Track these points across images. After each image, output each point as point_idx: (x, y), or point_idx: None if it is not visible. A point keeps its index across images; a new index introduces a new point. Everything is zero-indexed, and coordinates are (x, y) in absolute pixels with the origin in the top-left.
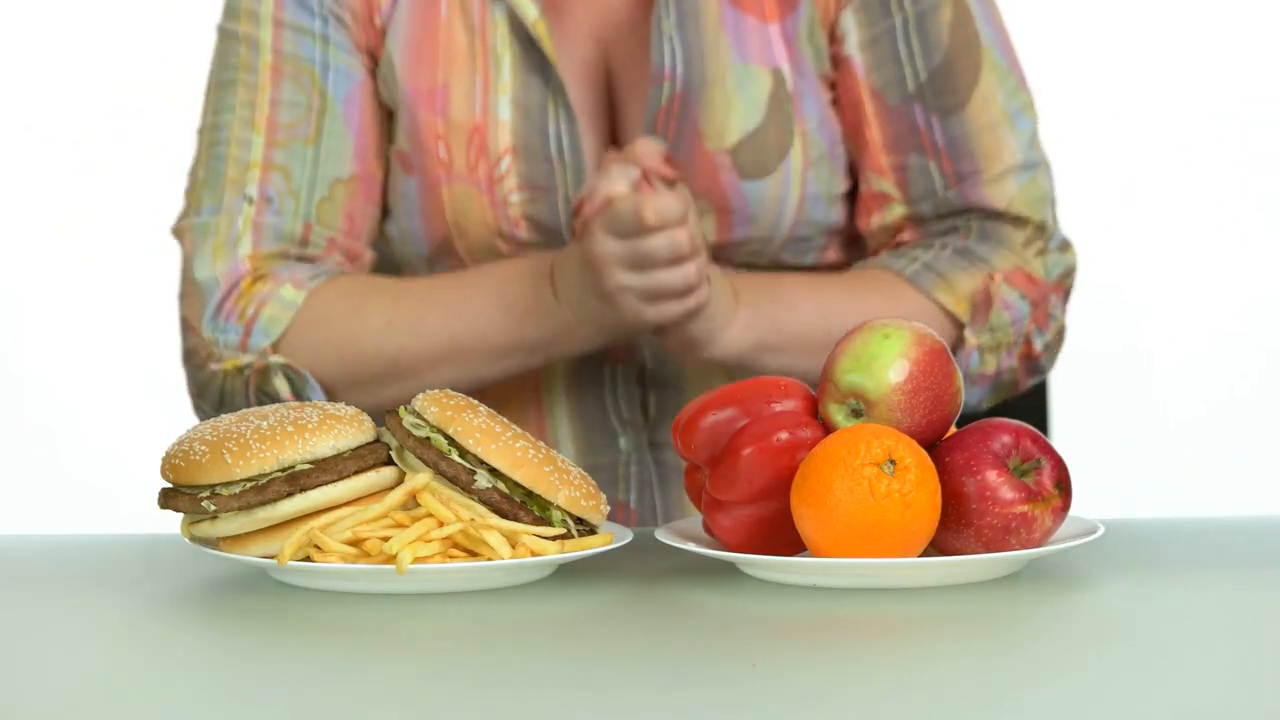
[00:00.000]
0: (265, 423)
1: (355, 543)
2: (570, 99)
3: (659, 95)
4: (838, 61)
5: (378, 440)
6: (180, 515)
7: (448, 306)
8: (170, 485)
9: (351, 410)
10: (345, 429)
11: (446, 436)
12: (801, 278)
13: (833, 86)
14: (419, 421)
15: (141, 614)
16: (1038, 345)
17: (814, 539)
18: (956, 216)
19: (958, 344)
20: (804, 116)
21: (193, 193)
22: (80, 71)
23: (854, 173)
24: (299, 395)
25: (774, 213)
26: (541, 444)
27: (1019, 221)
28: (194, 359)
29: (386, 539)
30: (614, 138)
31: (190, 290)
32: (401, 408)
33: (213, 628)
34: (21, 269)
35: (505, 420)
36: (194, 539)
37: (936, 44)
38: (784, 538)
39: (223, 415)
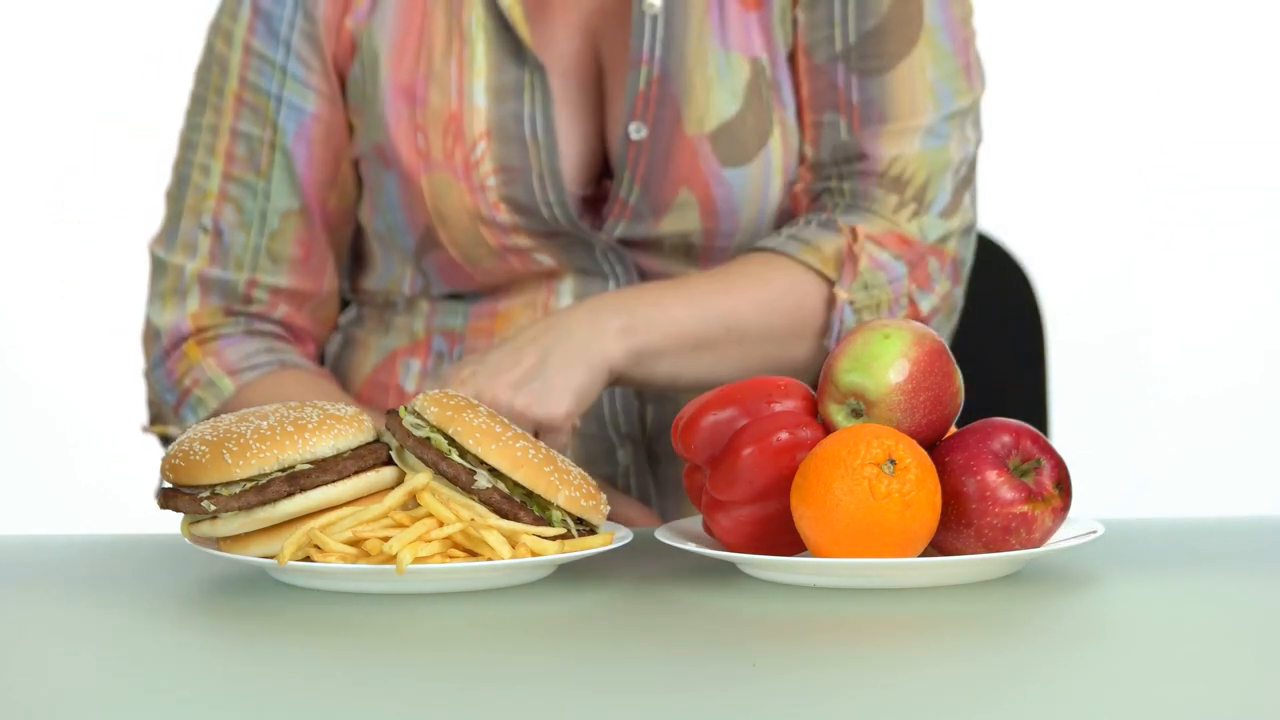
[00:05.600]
0: (265, 423)
1: (355, 543)
2: (550, 82)
3: (637, 79)
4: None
5: (378, 440)
6: (180, 515)
7: None
8: (170, 485)
9: (351, 410)
10: (345, 429)
11: (446, 436)
12: (668, 280)
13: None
14: (419, 421)
15: (141, 614)
16: (924, 307)
17: (814, 539)
18: (845, 164)
19: (830, 302)
20: (783, 105)
21: (166, 204)
22: (81, 71)
23: None
24: None
25: (757, 201)
26: (541, 444)
27: (896, 185)
28: (147, 378)
29: (386, 539)
30: (602, 130)
31: (148, 329)
32: (402, 408)
33: (213, 628)
34: (21, 268)
35: (505, 420)
36: (194, 539)
37: (873, 10)
38: (784, 538)
39: (223, 415)
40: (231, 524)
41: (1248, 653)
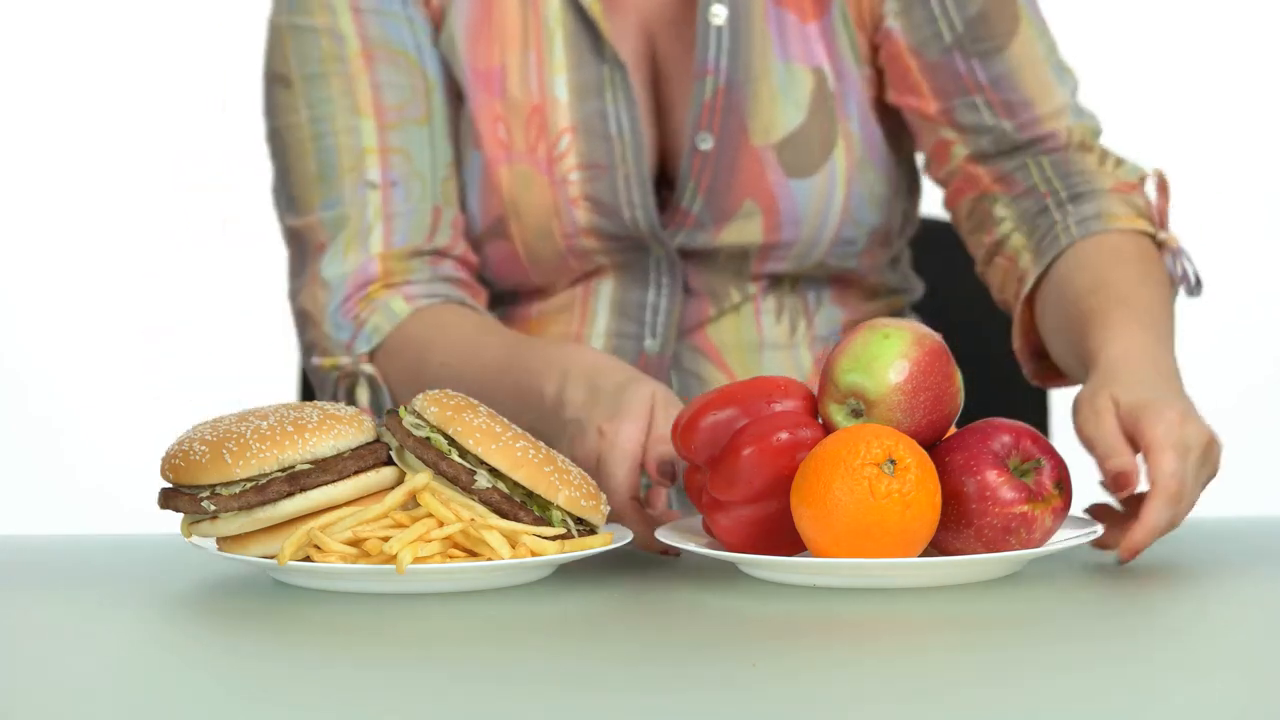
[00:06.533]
0: (265, 423)
1: (355, 543)
2: (630, 79)
3: (703, 89)
4: (882, 45)
5: (378, 440)
6: (180, 515)
7: (482, 374)
8: (170, 485)
9: (351, 410)
10: (345, 429)
11: (446, 436)
12: (1116, 327)
13: (879, 77)
14: (419, 421)
15: (142, 614)
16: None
17: (814, 539)
18: (1021, 152)
19: (1162, 248)
20: (847, 116)
21: (302, 189)
22: (81, 70)
23: (910, 169)
24: (375, 409)
25: (820, 213)
26: (541, 444)
27: (1083, 147)
28: (311, 351)
29: (386, 539)
30: (662, 134)
31: (315, 285)
32: (402, 407)
33: (213, 628)
34: (20, 268)
35: (505, 420)
36: (194, 539)
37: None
38: (784, 538)
39: (223, 415)
40: (231, 524)
41: (1250, 651)
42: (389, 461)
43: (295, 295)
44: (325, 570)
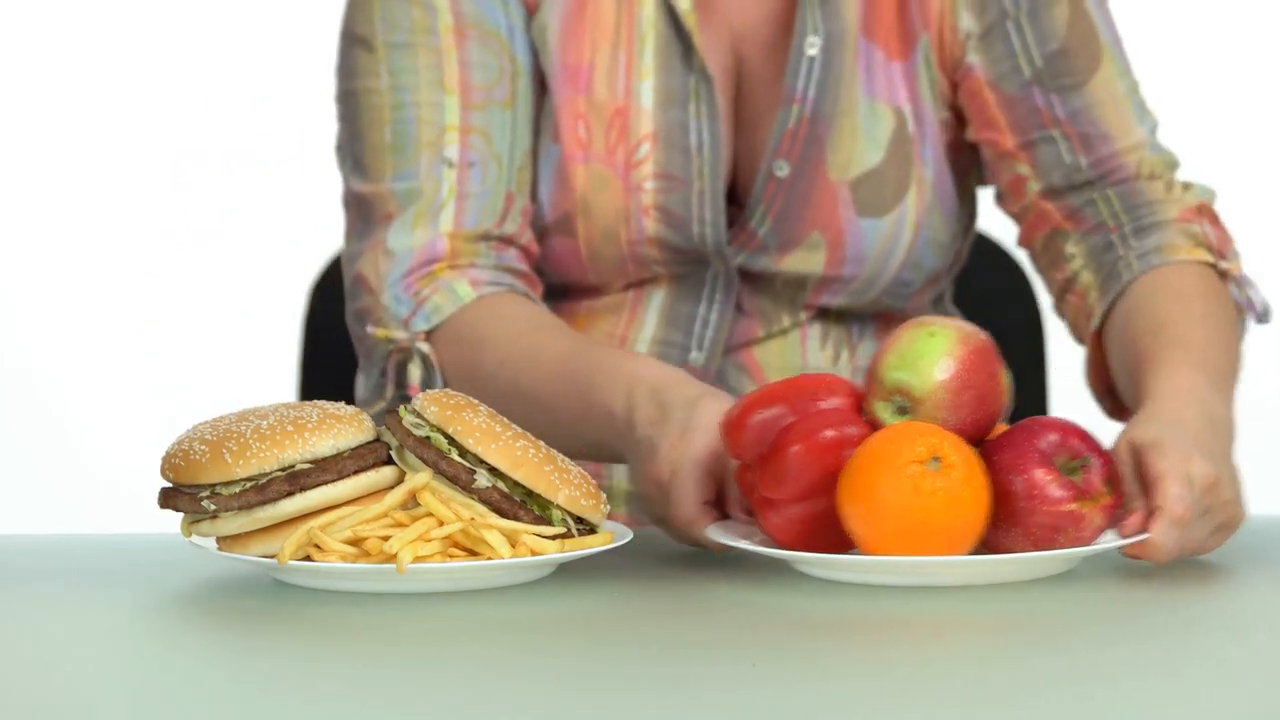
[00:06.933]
0: (265, 422)
1: (355, 542)
2: (715, 93)
3: (787, 116)
4: (962, 81)
5: (378, 440)
6: (180, 515)
7: (541, 383)
8: (170, 485)
9: (351, 410)
10: (345, 428)
11: (446, 436)
12: (1176, 366)
13: (956, 121)
14: (419, 421)
15: (141, 614)
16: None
17: (861, 536)
18: (1091, 188)
19: (1225, 278)
20: (923, 161)
21: (373, 157)
22: (82, 70)
23: (970, 211)
24: (425, 387)
25: (884, 253)
26: (541, 443)
27: (1152, 178)
28: (364, 319)
29: (386, 538)
30: (736, 152)
31: (378, 253)
32: (401, 407)
33: (213, 628)
34: (20, 268)
35: (505, 420)
36: (194, 539)
37: (1052, 34)
38: (836, 535)
39: (223, 415)
40: (231, 524)
41: None
42: (389, 461)
43: (354, 259)
44: (325, 570)
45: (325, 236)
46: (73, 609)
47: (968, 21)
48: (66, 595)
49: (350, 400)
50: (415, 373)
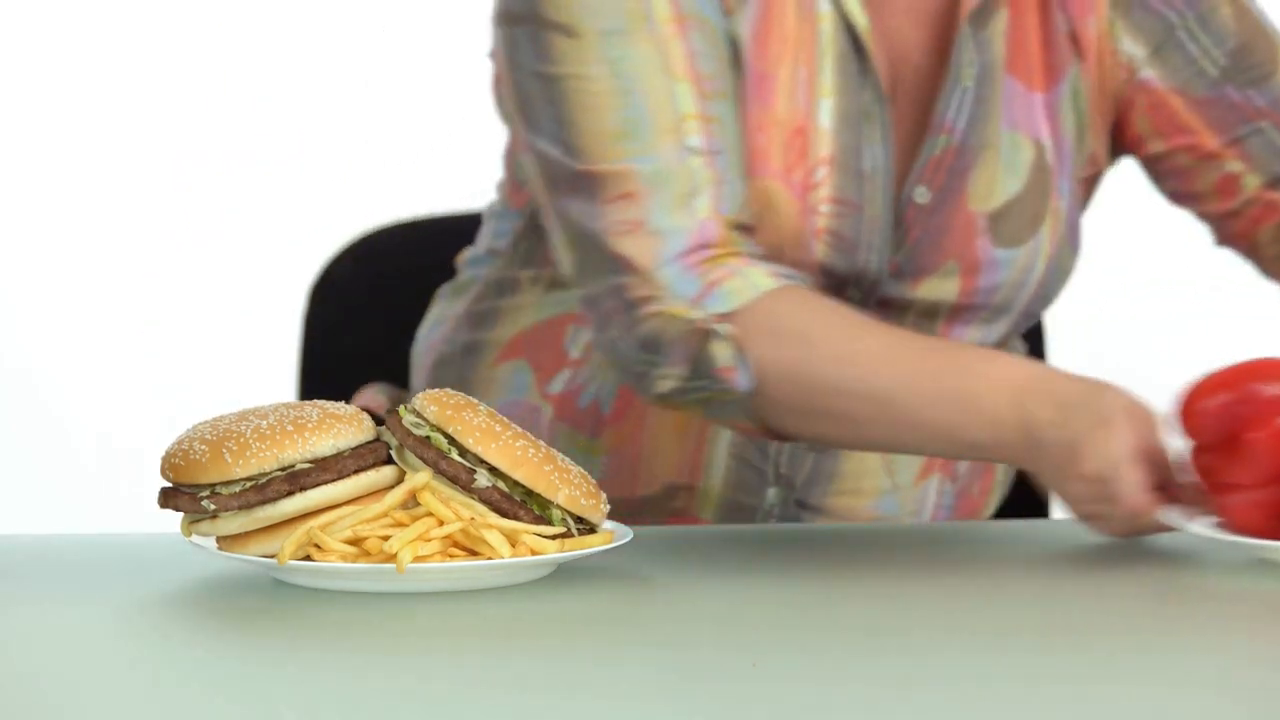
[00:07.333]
0: (265, 422)
1: (355, 542)
2: (888, 115)
3: (934, 144)
4: (1136, 98)
5: (378, 439)
6: (180, 515)
7: (899, 387)
8: (170, 484)
9: (351, 409)
10: (345, 428)
11: (446, 435)
12: None
13: (1098, 157)
14: (419, 420)
15: (141, 614)
16: None
17: None
18: None
19: None
20: (1059, 193)
21: (592, 140)
22: (82, 70)
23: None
24: (739, 367)
25: (1017, 284)
26: (541, 443)
27: None
28: (622, 294)
29: (386, 538)
30: None
31: (642, 233)
32: (401, 406)
33: (213, 628)
34: (19, 267)
35: (505, 420)
36: (194, 538)
37: (1225, 33)
38: None
39: (223, 415)
40: (231, 523)
41: None
42: (389, 460)
43: (602, 235)
44: (325, 569)
45: (325, 236)
46: (72, 608)
47: (1130, 46)
48: (66, 594)
49: (349, 400)
50: (723, 352)
